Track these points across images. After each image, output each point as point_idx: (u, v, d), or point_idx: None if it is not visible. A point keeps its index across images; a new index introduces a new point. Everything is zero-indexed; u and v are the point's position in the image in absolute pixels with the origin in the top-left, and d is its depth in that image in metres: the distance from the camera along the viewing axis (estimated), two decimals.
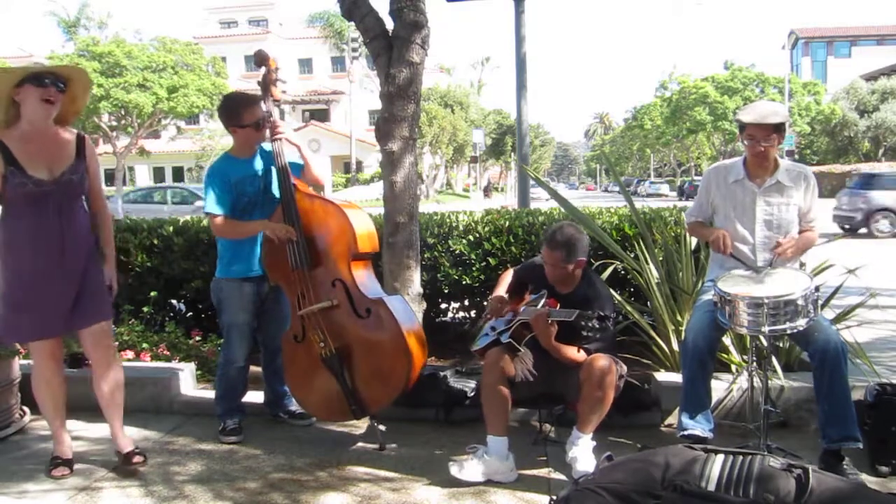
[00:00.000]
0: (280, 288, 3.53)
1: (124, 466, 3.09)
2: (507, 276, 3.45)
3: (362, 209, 3.58)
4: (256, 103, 3.49)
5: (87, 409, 3.63)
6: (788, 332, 2.89)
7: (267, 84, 3.53)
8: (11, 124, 2.94)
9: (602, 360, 2.95)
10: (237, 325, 3.54)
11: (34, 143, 2.93)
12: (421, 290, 4.05)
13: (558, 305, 3.07)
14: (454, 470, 2.95)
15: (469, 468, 2.95)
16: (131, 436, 3.30)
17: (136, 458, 3.09)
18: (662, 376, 3.72)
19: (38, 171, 2.90)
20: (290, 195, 3.40)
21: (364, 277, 3.42)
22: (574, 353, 3.01)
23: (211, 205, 3.41)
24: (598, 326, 2.81)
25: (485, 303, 3.99)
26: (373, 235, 3.49)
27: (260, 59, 3.54)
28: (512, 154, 35.88)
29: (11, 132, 2.94)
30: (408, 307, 3.55)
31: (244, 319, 3.54)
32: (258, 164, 3.54)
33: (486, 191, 43.56)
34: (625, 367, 3.15)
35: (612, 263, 4.27)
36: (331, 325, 3.35)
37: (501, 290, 3.36)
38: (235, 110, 3.47)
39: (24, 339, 3.12)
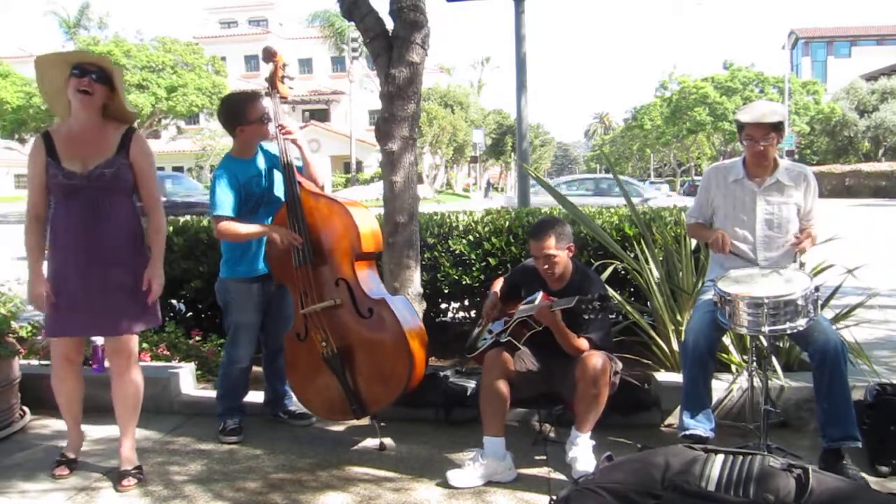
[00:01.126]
0: (285, 287, 3.53)
1: (115, 483, 3.01)
2: (499, 284, 3.48)
3: (368, 208, 3.57)
4: (257, 99, 3.47)
5: (89, 409, 3.63)
6: (788, 332, 2.89)
7: (274, 81, 3.52)
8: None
9: (595, 358, 2.96)
10: (245, 326, 3.54)
11: (77, 136, 2.92)
12: (421, 290, 4.05)
13: None
14: (452, 478, 2.95)
15: (467, 474, 2.96)
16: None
17: (125, 483, 2.98)
18: (662, 376, 3.72)
19: (73, 164, 2.88)
20: (294, 193, 3.40)
21: (367, 277, 3.42)
22: (580, 341, 3.03)
23: (218, 207, 3.38)
24: (599, 307, 2.82)
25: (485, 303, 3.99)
26: (377, 235, 3.49)
27: (268, 56, 3.54)
28: (512, 154, 35.88)
29: (62, 126, 2.97)
30: (411, 308, 3.55)
31: (252, 319, 3.54)
32: (262, 164, 3.54)
33: (486, 191, 43.59)
34: (620, 364, 3.15)
35: (612, 263, 4.27)
36: (333, 325, 3.35)
37: (493, 300, 3.40)
38: (239, 109, 3.44)
39: (49, 334, 3.06)
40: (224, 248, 3.57)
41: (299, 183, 3.42)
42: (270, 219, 3.54)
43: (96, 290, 2.90)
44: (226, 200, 3.38)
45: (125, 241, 2.96)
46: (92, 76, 2.87)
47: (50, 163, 2.89)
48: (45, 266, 2.98)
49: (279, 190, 3.52)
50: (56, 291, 2.91)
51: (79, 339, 3.10)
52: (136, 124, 3.19)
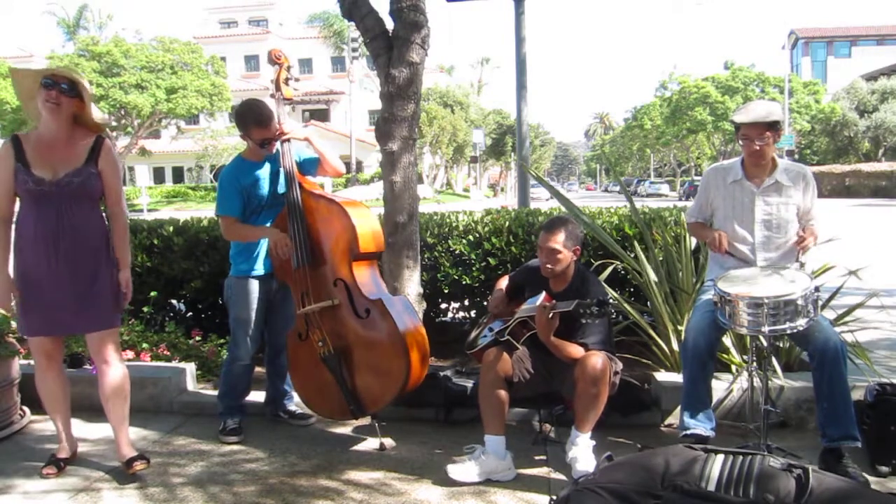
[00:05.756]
0: (288, 286, 3.55)
1: (126, 472, 3.05)
2: (503, 282, 3.47)
3: (369, 208, 3.57)
4: (266, 125, 3.46)
5: (87, 408, 3.64)
6: (788, 332, 2.89)
7: (279, 83, 3.58)
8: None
9: (595, 357, 2.96)
10: (242, 323, 3.56)
11: (47, 144, 2.98)
12: (421, 290, 4.05)
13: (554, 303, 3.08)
14: (452, 471, 2.96)
15: (467, 469, 2.96)
16: (131, 436, 3.28)
17: (137, 465, 3.05)
18: (662, 376, 3.72)
19: (42, 171, 2.94)
20: (294, 196, 3.43)
21: (367, 277, 3.42)
22: (573, 349, 3.02)
23: (221, 207, 3.50)
24: (597, 312, 2.82)
25: (485, 303, 3.99)
26: (378, 235, 3.49)
27: (273, 58, 3.60)
28: (512, 154, 35.87)
29: (32, 132, 3.03)
30: (411, 309, 3.53)
31: (249, 317, 3.55)
32: (268, 168, 3.58)
33: (494, 190, 43.83)
34: (620, 364, 3.15)
35: (612, 263, 4.27)
36: (331, 325, 3.35)
37: (500, 295, 3.39)
38: (246, 124, 3.48)
39: (24, 333, 3.13)
40: (231, 247, 3.65)
41: (300, 185, 3.45)
42: (269, 222, 3.56)
43: (72, 290, 2.97)
44: (229, 201, 3.48)
45: (94, 242, 3.03)
46: (61, 87, 2.93)
47: (20, 168, 2.94)
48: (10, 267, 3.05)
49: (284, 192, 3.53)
50: (33, 292, 2.97)
51: (58, 336, 3.14)
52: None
